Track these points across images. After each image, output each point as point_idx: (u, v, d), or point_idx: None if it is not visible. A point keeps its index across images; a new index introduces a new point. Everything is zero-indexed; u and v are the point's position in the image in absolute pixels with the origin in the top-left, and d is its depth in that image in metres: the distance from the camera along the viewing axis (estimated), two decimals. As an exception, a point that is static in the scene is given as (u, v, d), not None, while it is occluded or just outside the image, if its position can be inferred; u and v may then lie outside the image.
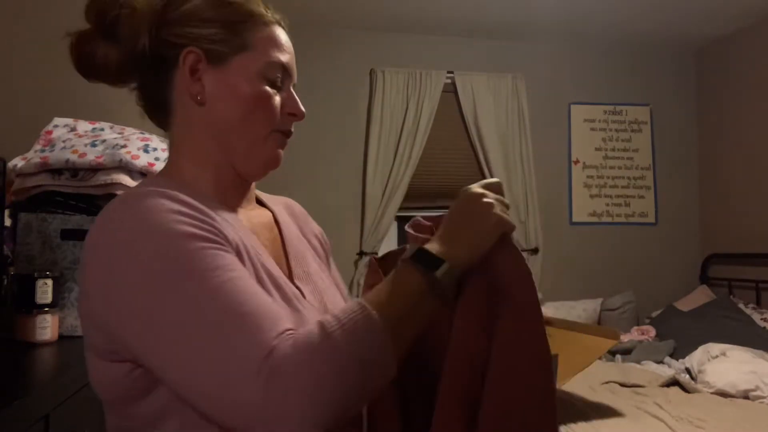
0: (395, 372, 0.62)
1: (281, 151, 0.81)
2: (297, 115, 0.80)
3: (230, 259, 0.64)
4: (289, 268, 0.82)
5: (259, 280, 0.70)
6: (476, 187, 0.75)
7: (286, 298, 0.73)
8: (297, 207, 0.99)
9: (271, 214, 0.89)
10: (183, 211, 0.65)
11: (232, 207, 0.80)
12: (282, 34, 0.81)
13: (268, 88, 0.77)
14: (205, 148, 0.77)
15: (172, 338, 0.59)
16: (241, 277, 0.63)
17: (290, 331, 0.59)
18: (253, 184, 0.87)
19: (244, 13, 0.77)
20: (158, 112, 0.80)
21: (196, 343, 0.58)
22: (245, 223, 0.80)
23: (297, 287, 0.79)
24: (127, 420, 0.69)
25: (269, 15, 0.80)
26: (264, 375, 0.55)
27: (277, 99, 0.78)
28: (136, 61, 0.76)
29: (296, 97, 0.81)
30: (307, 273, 0.83)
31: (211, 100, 0.75)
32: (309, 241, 0.93)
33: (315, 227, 0.99)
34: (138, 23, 0.74)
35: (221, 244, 0.65)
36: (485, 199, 0.73)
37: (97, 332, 0.67)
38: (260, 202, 0.91)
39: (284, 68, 0.79)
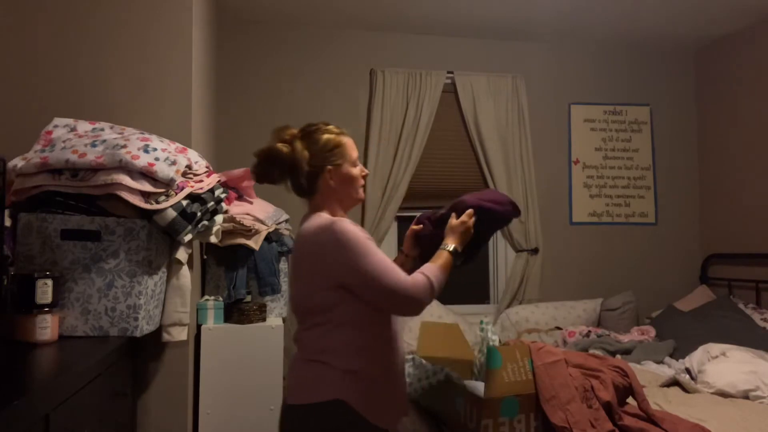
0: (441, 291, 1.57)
1: (363, 192, 1.69)
2: (366, 175, 1.68)
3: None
4: None
5: None
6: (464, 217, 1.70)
7: None
8: None
9: None
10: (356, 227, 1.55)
11: None
12: (349, 140, 1.64)
13: (354, 169, 1.64)
14: (335, 202, 1.63)
15: (377, 273, 1.45)
16: (382, 254, 1.51)
17: (406, 276, 1.49)
18: None
19: (337, 142, 1.62)
20: (303, 193, 1.62)
21: (383, 274, 1.45)
22: None
23: None
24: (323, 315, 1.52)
25: (343, 135, 1.63)
26: (406, 288, 1.46)
27: (357, 170, 1.65)
28: (299, 173, 1.60)
29: (362, 166, 1.67)
30: None
31: (337, 183, 1.62)
32: None
33: None
34: (301, 162, 1.59)
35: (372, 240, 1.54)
36: (468, 224, 1.70)
37: (329, 278, 1.48)
38: None
39: (356, 156, 1.66)
